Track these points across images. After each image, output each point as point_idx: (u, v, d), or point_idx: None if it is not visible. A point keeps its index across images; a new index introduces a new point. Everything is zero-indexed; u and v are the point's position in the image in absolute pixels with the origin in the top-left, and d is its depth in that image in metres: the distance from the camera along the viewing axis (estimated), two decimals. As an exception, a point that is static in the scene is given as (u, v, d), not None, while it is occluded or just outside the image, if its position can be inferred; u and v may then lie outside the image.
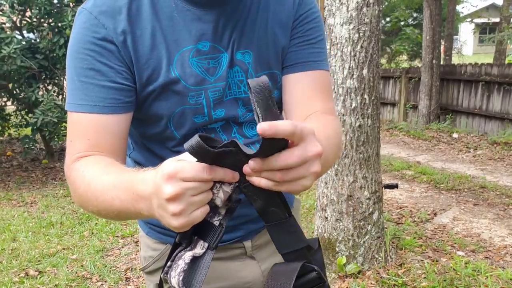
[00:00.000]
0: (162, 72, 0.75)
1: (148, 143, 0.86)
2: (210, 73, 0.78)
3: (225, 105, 0.81)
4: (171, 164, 0.53)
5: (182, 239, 0.58)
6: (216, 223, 0.57)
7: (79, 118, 0.75)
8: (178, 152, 0.58)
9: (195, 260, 0.54)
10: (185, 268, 0.53)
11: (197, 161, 0.52)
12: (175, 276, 0.52)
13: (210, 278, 0.84)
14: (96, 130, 0.74)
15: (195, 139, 0.50)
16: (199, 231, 0.57)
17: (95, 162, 0.72)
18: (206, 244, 0.56)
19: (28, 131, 5.42)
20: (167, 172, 0.52)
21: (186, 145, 0.51)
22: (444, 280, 2.52)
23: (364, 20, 2.43)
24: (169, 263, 0.56)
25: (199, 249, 0.55)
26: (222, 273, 0.90)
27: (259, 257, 0.94)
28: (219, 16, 0.77)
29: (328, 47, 2.56)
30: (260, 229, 0.95)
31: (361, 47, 2.46)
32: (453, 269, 2.66)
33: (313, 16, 0.85)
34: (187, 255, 0.54)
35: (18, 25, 5.11)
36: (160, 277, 0.60)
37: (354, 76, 2.48)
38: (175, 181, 0.52)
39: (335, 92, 2.53)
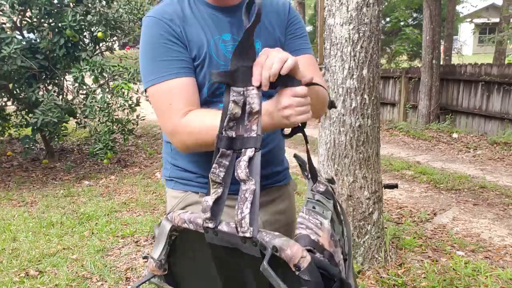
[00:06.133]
0: (203, 51, 1.10)
1: None
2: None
3: None
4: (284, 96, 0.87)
5: (229, 148, 0.78)
6: (254, 134, 0.76)
7: (169, 85, 1.05)
8: None
9: (251, 159, 0.74)
10: (247, 165, 0.72)
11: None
12: (243, 171, 0.71)
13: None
14: (185, 88, 1.06)
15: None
16: (243, 144, 0.77)
17: (204, 112, 1.04)
18: (253, 149, 0.75)
19: (28, 131, 5.42)
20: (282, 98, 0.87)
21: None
22: (444, 280, 2.52)
23: (364, 20, 2.43)
24: (214, 165, 0.75)
25: (250, 153, 0.74)
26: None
27: (261, 213, 1.18)
28: (232, 18, 1.16)
29: (328, 47, 2.56)
30: (262, 186, 1.15)
31: (361, 47, 2.46)
32: (453, 269, 2.67)
33: (298, 19, 1.27)
34: (246, 157, 0.74)
35: (19, 25, 5.11)
36: (209, 177, 0.77)
37: (354, 76, 2.48)
38: (288, 97, 0.85)
39: (335, 92, 2.53)
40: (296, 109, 0.84)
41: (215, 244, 0.75)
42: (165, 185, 1.32)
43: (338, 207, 0.95)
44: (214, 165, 0.74)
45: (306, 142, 0.92)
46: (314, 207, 0.86)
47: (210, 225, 0.73)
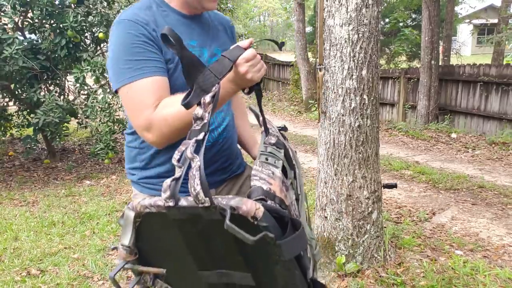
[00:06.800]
0: (174, 56, 1.16)
1: None
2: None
3: None
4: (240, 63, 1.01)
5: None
6: (205, 121, 0.87)
7: (144, 82, 1.10)
8: None
9: (198, 141, 0.84)
10: (194, 145, 0.82)
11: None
12: (188, 150, 0.80)
13: None
14: (158, 86, 1.11)
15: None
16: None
17: (173, 98, 1.08)
18: (203, 133, 0.85)
19: (30, 131, 5.44)
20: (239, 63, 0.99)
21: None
22: (443, 279, 2.54)
23: (363, 21, 2.46)
24: (176, 151, 0.84)
25: (200, 136, 0.84)
26: None
27: None
28: (197, 26, 1.28)
29: (327, 47, 2.59)
30: (223, 180, 1.36)
31: (360, 48, 2.48)
32: (452, 268, 2.69)
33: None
34: (194, 140, 0.83)
35: (20, 26, 5.13)
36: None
37: (354, 77, 2.51)
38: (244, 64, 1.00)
39: (335, 92, 2.56)
40: (253, 70, 0.99)
41: (179, 219, 0.82)
42: (132, 187, 1.38)
43: (290, 153, 1.10)
44: (175, 152, 0.82)
45: (260, 96, 1.08)
46: (267, 159, 0.97)
47: (171, 203, 0.78)
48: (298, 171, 1.09)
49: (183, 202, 0.79)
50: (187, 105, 0.89)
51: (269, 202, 0.84)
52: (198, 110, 0.87)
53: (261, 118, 1.10)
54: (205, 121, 0.85)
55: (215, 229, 0.79)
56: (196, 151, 0.80)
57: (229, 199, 0.77)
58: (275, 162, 0.98)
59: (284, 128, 1.23)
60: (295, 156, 1.13)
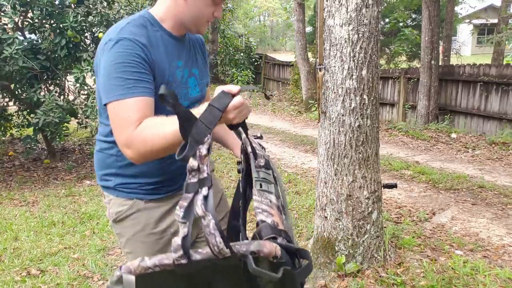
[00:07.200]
0: (165, 77, 1.28)
1: None
2: (182, 79, 1.36)
3: (189, 100, 1.39)
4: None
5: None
6: (205, 174, 0.85)
7: (132, 101, 1.16)
8: None
9: (205, 197, 0.83)
10: (203, 203, 0.81)
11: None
12: (199, 208, 0.80)
13: (161, 224, 1.37)
14: (144, 105, 1.17)
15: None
16: (199, 185, 0.87)
17: (154, 120, 1.14)
18: (207, 187, 0.83)
19: (30, 131, 5.43)
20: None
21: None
22: (443, 279, 2.55)
23: (363, 21, 2.46)
24: (177, 207, 0.82)
25: (204, 192, 0.83)
26: (170, 219, 1.38)
27: None
28: (183, 47, 1.37)
29: (327, 47, 2.59)
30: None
31: (360, 47, 2.48)
32: (452, 268, 2.69)
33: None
34: (201, 195, 0.82)
35: (20, 26, 5.13)
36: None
37: (354, 77, 2.51)
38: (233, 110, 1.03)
39: (335, 92, 2.56)
40: (240, 116, 1.05)
41: (188, 273, 0.80)
42: (105, 193, 1.41)
43: (271, 166, 1.16)
44: (176, 208, 0.81)
45: (246, 129, 1.15)
46: (261, 185, 1.02)
47: (183, 261, 0.78)
48: (279, 184, 1.14)
49: (196, 256, 0.78)
50: (183, 159, 0.88)
51: (279, 239, 0.86)
52: (193, 162, 0.86)
53: (243, 135, 1.16)
54: (205, 175, 0.84)
55: (229, 273, 0.82)
56: (205, 207, 0.80)
57: (248, 244, 0.78)
58: (268, 188, 1.02)
59: (260, 137, 1.27)
60: (275, 169, 1.19)
